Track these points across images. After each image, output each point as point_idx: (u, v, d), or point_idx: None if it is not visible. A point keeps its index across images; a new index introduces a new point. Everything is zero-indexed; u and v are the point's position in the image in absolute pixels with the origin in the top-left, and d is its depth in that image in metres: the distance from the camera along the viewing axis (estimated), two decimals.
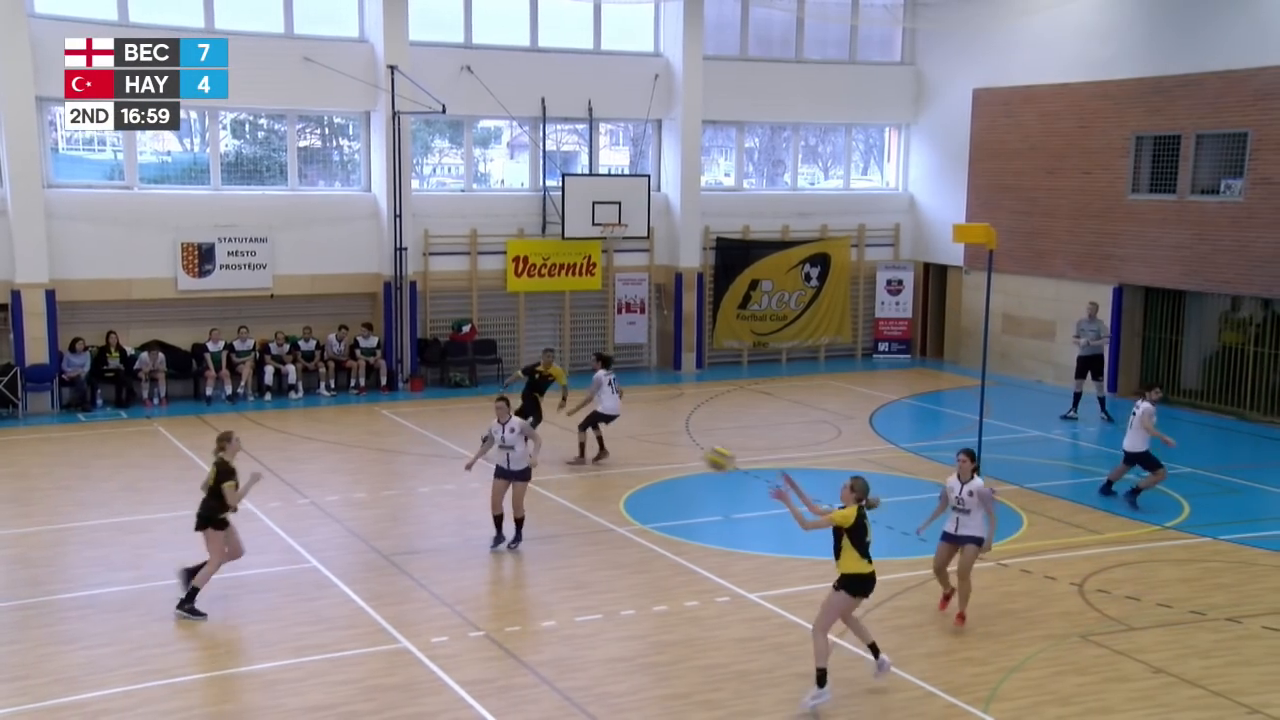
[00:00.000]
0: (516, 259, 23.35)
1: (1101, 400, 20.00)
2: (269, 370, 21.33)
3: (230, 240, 21.30)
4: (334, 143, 23.64)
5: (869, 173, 27.91)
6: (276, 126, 22.79)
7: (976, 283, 23.70)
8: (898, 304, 26.45)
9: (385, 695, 9.54)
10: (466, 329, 22.98)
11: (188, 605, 11.01)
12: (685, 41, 23.79)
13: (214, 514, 11.05)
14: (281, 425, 19.43)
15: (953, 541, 11.06)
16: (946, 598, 11.30)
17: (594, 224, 22.99)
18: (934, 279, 26.55)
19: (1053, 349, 23.25)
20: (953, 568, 11.11)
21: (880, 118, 26.83)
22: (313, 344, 21.88)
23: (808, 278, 25.75)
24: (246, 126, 23.00)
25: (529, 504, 13.48)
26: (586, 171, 23.95)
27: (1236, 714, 9.38)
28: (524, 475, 12.98)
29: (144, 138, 21.23)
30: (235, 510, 11.12)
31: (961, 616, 11.02)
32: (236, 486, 10.98)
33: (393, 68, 21.44)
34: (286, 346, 21.72)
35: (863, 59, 26.25)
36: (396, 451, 17.88)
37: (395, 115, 21.61)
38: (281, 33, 21.47)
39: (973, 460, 11.04)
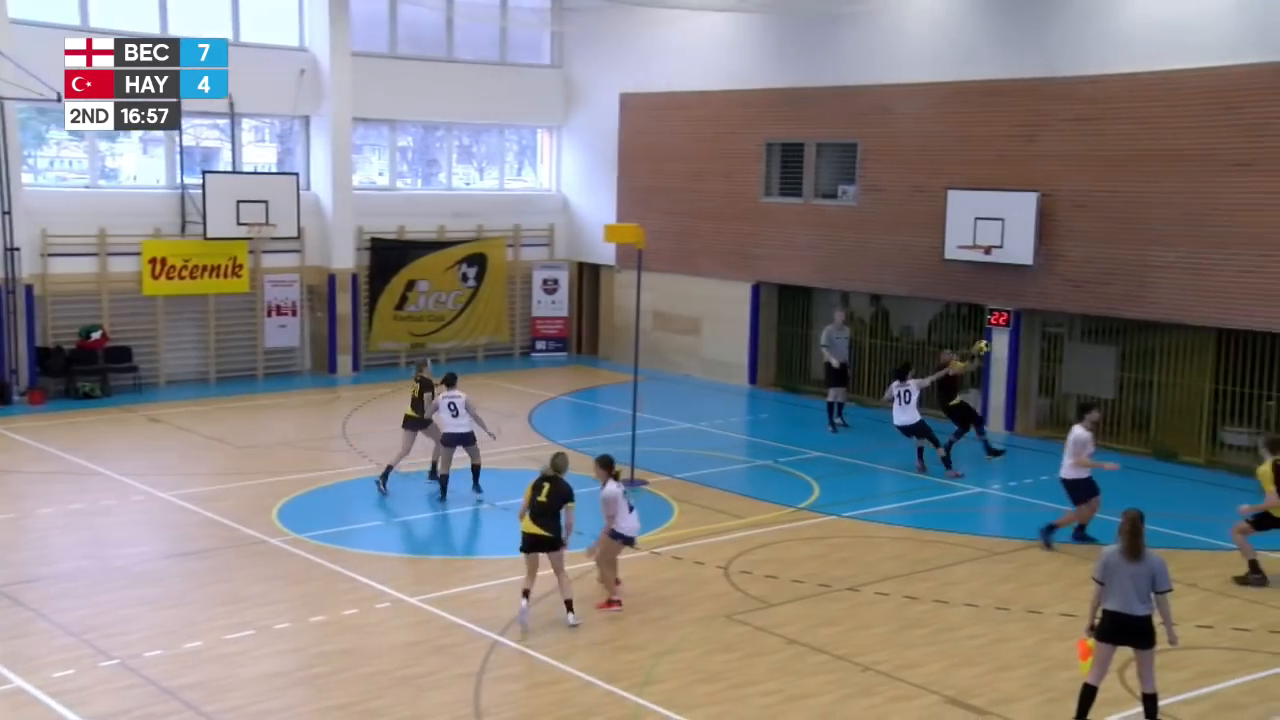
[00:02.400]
0: (153, 260, 21.81)
1: (840, 407, 20.15)
2: None
3: None
4: None
5: (523, 173, 28.29)
6: None
7: (628, 281, 24.57)
8: (554, 303, 26.97)
9: None
10: (96, 335, 21.21)
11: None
12: (332, 36, 23.06)
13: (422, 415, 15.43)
14: None
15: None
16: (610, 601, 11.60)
17: (239, 224, 21.87)
18: (588, 278, 27.28)
19: (699, 344, 24.49)
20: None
21: (532, 119, 27.23)
22: None
23: (465, 278, 25.74)
24: None
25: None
26: (230, 169, 22.73)
27: (854, 672, 10.32)
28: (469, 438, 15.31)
29: None
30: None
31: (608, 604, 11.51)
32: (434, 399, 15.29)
33: None
34: None
35: (513, 60, 26.53)
36: (11, 471, 16.23)
37: None
38: None
39: (605, 468, 11.58)
